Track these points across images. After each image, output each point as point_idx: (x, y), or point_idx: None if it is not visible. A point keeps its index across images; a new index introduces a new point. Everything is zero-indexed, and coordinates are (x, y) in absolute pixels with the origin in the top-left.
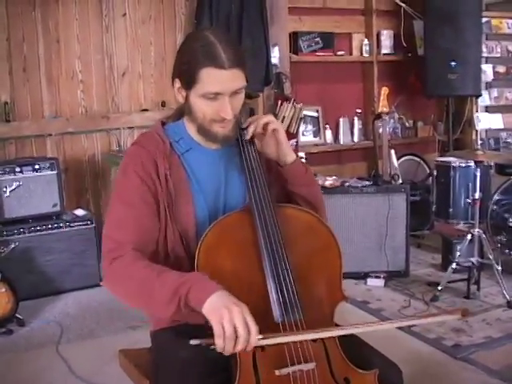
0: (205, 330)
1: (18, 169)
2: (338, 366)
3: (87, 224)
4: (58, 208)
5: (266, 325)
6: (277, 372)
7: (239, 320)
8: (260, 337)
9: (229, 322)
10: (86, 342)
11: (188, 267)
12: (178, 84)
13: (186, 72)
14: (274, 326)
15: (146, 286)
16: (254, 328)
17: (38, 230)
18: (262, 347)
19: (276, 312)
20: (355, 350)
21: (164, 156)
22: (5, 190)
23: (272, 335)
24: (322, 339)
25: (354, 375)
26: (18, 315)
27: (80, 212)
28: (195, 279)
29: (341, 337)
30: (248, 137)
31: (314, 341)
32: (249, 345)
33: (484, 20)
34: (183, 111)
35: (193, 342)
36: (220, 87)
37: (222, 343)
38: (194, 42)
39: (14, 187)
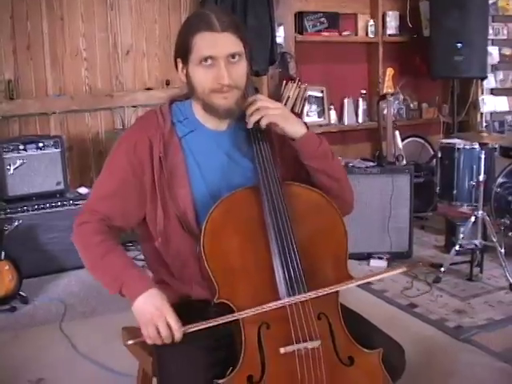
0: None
1: (21, 146)
2: (343, 345)
3: None
4: (61, 186)
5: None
6: (282, 349)
7: (161, 323)
8: (184, 328)
9: (151, 325)
10: (88, 319)
11: (186, 247)
12: (180, 64)
13: (182, 45)
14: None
15: (93, 263)
16: (175, 326)
17: (41, 208)
18: (268, 325)
19: (282, 289)
20: (358, 328)
21: (161, 138)
22: (8, 167)
23: (196, 324)
24: (326, 317)
25: (358, 354)
26: (21, 293)
27: (83, 190)
28: (129, 274)
29: (344, 315)
30: (250, 126)
31: (319, 318)
32: (174, 339)
33: (491, 1)
34: (190, 94)
35: (129, 342)
36: (213, 50)
37: (150, 341)
38: (189, 17)
39: (17, 165)
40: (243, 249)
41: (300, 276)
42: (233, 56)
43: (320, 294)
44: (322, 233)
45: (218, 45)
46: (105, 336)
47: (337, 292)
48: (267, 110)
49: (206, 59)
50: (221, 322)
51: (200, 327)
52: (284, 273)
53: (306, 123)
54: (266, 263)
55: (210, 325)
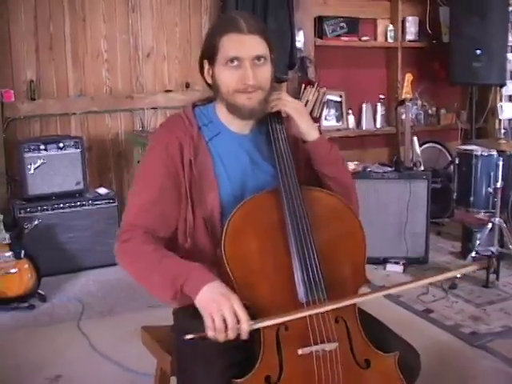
0: None
1: (42, 146)
2: (359, 348)
3: (109, 202)
4: (81, 186)
5: (292, 304)
6: (299, 351)
7: (227, 311)
8: (252, 322)
9: (217, 314)
10: (106, 319)
11: (210, 250)
12: (206, 65)
13: (209, 46)
14: (299, 306)
15: (149, 270)
16: (243, 316)
17: (60, 208)
18: (286, 326)
19: (301, 291)
20: (374, 331)
21: (191, 141)
22: (29, 167)
23: (267, 318)
24: (344, 320)
25: (374, 357)
26: (40, 291)
27: (102, 190)
28: (191, 269)
29: (361, 318)
30: (269, 110)
31: (337, 321)
32: (241, 333)
33: (511, 8)
34: (215, 96)
35: (187, 337)
36: (239, 51)
37: (213, 334)
38: (218, 20)
39: (38, 164)
40: (263, 251)
41: (319, 279)
42: (258, 58)
43: (342, 304)
44: (341, 237)
45: (245, 46)
46: (122, 335)
47: (354, 295)
48: (286, 101)
49: (232, 60)
50: (288, 318)
51: (265, 324)
52: (303, 275)
53: (319, 128)
54: (286, 265)
55: (278, 321)
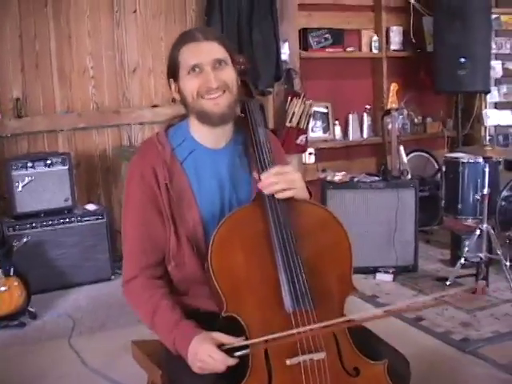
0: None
1: (30, 164)
2: (348, 356)
3: (98, 218)
4: (69, 202)
5: (279, 315)
6: (288, 361)
7: (208, 366)
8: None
9: (202, 370)
10: (97, 334)
11: (196, 268)
12: (172, 84)
13: (171, 64)
14: (286, 317)
15: (146, 321)
16: (217, 358)
17: (49, 225)
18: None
19: (287, 302)
20: (364, 340)
21: (164, 165)
22: (17, 184)
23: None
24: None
25: (363, 365)
26: (30, 308)
27: (91, 207)
28: (173, 339)
29: (350, 327)
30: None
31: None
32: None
33: (493, 16)
34: (186, 111)
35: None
36: (198, 57)
37: None
38: (175, 40)
39: (26, 182)
40: (249, 264)
41: (305, 289)
42: (218, 62)
43: (331, 324)
44: (326, 248)
45: (203, 52)
46: (113, 350)
47: (342, 304)
48: (293, 182)
49: (193, 68)
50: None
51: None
52: (289, 286)
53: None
54: (272, 277)
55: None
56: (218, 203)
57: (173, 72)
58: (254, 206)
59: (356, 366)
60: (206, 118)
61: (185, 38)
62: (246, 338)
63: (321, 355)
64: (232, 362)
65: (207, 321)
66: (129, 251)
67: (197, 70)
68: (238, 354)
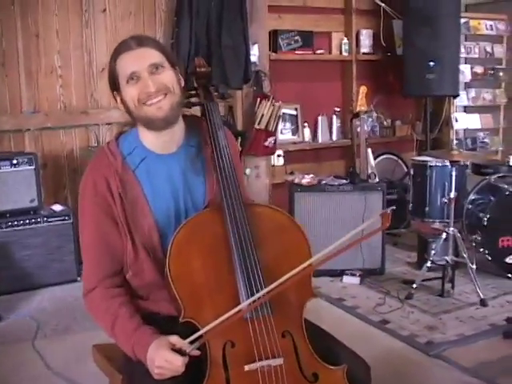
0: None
1: None
2: (307, 361)
3: (65, 219)
4: (35, 203)
5: (237, 322)
6: (246, 367)
7: (167, 371)
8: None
9: (162, 376)
10: (62, 337)
11: (154, 276)
12: (116, 96)
13: (111, 76)
14: (244, 323)
15: (107, 332)
16: (174, 362)
17: (15, 225)
18: (232, 343)
19: (245, 308)
20: (324, 344)
21: (115, 175)
22: None
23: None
24: (290, 334)
25: (322, 370)
26: None
27: (58, 207)
28: (132, 348)
29: (309, 331)
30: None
31: (283, 336)
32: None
33: (463, 21)
34: (133, 120)
35: None
36: (133, 65)
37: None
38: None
39: None
40: (207, 270)
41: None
42: (155, 67)
43: (276, 285)
44: (285, 252)
45: (137, 59)
46: (78, 353)
47: (301, 309)
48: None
49: (131, 77)
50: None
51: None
52: (247, 292)
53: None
54: (231, 283)
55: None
56: (173, 208)
57: (114, 84)
58: (212, 211)
59: (315, 371)
60: (150, 124)
61: (120, 49)
62: (204, 343)
63: (279, 361)
64: (187, 359)
65: (168, 325)
66: (87, 263)
67: (134, 77)
68: (190, 349)
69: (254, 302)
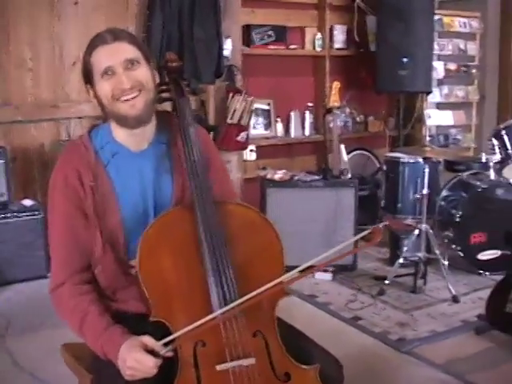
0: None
1: None
2: (279, 361)
3: (35, 214)
4: (5, 198)
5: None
6: (217, 367)
7: (139, 373)
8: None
9: (133, 377)
10: (32, 334)
11: (119, 273)
12: (90, 90)
13: (84, 69)
14: (215, 322)
15: (74, 330)
16: (146, 363)
17: None
18: (204, 343)
19: (216, 308)
20: (296, 344)
21: (88, 167)
22: None
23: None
24: (262, 334)
25: (294, 370)
26: None
27: (27, 202)
28: (102, 348)
29: (281, 330)
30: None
31: (255, 335)
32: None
33: (436, 18)
34: (105, 115)
35: None
36: (108, 60)
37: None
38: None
39: None
40: (178, 268)
41: (234, 294)
42: (131, 62)
43: (248, 297)
44: (257, 250)
45: (112, 54)
46: (48, 351)
47: (272, 309)
48: None
49: (106, 72)
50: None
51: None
52: (218, 291)
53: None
54: (201, 282)
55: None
56: (141, 206)
57: (87, 77)
58: (182, 209)
59: (287, 371)
60: (123, 121)
61: (95, 42)
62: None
63: (250, 361)
64: (160, 361)
65: (137, 323)
66: (55, 258)
67: (109, 72)
68: (163, 351)
69: (228, 311)
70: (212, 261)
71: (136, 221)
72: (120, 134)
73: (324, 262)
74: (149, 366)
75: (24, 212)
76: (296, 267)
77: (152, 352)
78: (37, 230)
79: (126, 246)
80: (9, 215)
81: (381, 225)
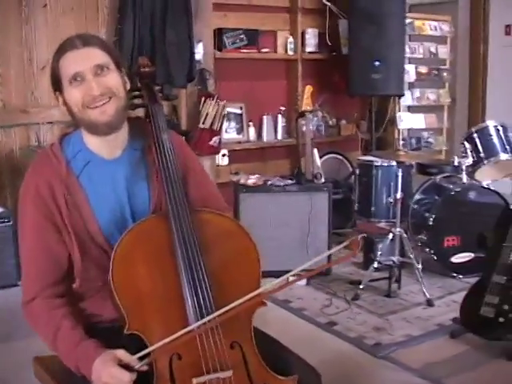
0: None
1: None
2: (257, 373)
3: (4, 222)
4: None
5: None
6: (194, 380)
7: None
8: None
9: None
10: (3, 344)
11: (101, 281)
12: (59, 97)
13: (53, 75)
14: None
15: (48, 344)
16: (121, 378)
17: None
18: (179, 356)
19: (191, 319)
20: (274, 354)
21: (60, 180)
22: None
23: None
24: (240, 345)
25: (273, 381)
26: None
27: None
28: (75, 363)
29: (257, 339)
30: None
31: (232, 347)
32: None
33: (407, 21)
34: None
35: None
36: (77, 66)
37: None
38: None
39: None
40: (152, 278)
41: (210, 304)
42: (100, 68)
43: (225, 310)
44: (233, 259)
45: (82, 60)
46: (17, 362)
47: (249, 319)
48: None
49: (74, 78)
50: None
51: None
52: (193, 302)
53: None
54: (176, 293)
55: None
56: (118, 215)
57: (56, 84)
58: (157, 218)
59: (265, 382)
60: (93, 128)
61: (64, 47)
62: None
63: (227, 373)
64: (135, 375)
65: (111, 337)
66: (26, 272)
67: (78, 79)
68: (138, 365)
69: (204, 324)
70: (187, 271)
71: (114, 228)
72: (92, 141)
73: (303, 274)
74: (124, 381)
75: None
76: (270, 272)
77: (127, 366)
78: (6, 238)
79: (107, 255)
80: None
81: (359, 237)
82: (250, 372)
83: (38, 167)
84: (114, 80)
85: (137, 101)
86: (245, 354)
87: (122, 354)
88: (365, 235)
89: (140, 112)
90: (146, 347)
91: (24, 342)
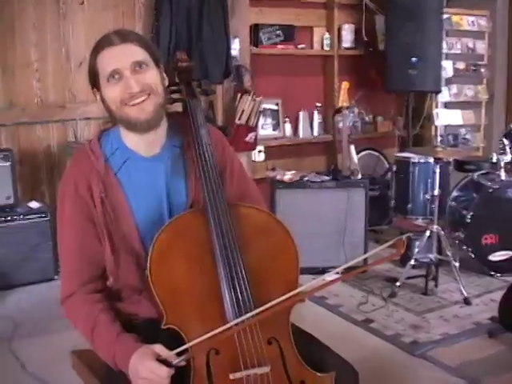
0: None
1: None
2: (294, 369)
3: (42, 217)
4: (11, 200)
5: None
6: (231, 376)
7: (150, 383)
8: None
9: None
10: (39, 338)
11: (137, 279)
12: (96, 93)
13: (91, 72)
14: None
15: (87, 339)
16: (160, 373)
17: None
18: (217, 351)
19: (229, 314)
20: (311, 350)
21: (98, 177)
22: None
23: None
24: (277, 341)
25: (310, 378)
26: None
27: (34, 204)
28: (113, 357)
29: (296, 337)
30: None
31: (269, 343)
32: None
33: (445, 16)
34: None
35: None
36: (116, 63)
37: None
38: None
39: None
40: (190, 274)
41: (248, 300)
42: (139, 65)
43: (264, 308)
44: (271, 255)
45: (120, 56)
46: (56, 355)
47: (287, 315)
48: None
49: (112, 75)
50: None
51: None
52: (232, 298)
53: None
54: (214, 288)
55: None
56: (156, 212)
57: (94, 81)
58: (194, 213)
59: (302, 379)
60: (132, 126)
61: (101, 44)
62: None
63: (265, 369)
64: (173, 371)
65: (148, 332)
66: (65, 268)
67: (116, 76)
68: (176, 361)
69: (243, 321)
70: (225, 266)
71: (152, 225)
72: (130, 138)
73: (346, 275)
74: (162, 376)
75: (31, 214)
76: (307, 269)
77: (165, 361)
78: (44, 233)
79: (144, 251)
80: (16, 218)
81: (404, 236)
82: (287, 368)
83: (76, 164)
84: (153, 77)
85: (175, 95)
86: (282, 350)
87: (160, 348)
88: (410, 235)
89: (178, 106)
90: (184, 344)
91: (62, 336)
